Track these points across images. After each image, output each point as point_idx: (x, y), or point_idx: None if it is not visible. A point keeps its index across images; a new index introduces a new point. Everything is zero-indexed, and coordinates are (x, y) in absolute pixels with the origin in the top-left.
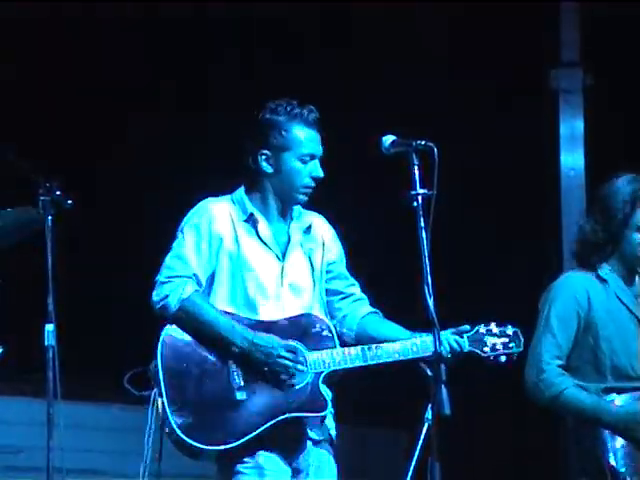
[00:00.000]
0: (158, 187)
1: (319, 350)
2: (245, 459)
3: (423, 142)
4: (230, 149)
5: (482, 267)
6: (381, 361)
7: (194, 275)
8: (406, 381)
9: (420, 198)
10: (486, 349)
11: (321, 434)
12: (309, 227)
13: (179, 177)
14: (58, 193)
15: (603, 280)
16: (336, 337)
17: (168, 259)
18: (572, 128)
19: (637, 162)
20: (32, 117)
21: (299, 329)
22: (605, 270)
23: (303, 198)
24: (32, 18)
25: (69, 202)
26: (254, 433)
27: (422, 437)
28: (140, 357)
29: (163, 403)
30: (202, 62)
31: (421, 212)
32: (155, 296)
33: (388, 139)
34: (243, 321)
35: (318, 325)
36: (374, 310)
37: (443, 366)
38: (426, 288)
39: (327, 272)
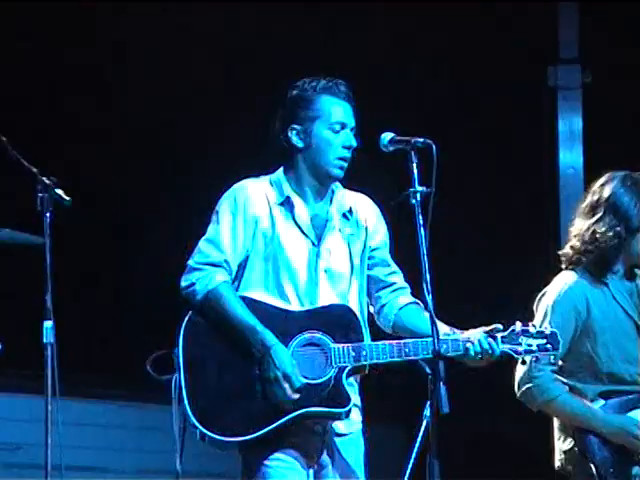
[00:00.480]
0: (157, 186)
1: (346, 342)
2: (270, 453)
3: (421, 139)
4: (231, 147)
5: (480, 264)
6: (409, 358)
7: (225, 262)
8: (404, 378)
9: (419, 195)
10: (520, 349)
11: (346, 428)
12: (350, 210)
13: (179, 176)
14: (57, 190)
15: (603, 283)
16: (366, 330)
17: (202, 243)
18: (570, 125)
19: (635, 159)
20: (32, 114)
21: (327, 319)
22: (609, 271)
23: (338, 172)
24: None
25: (67, 199)
26: (272, 426)
27: (421, 435)
28: (139, 354)
29: (181, 393)
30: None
31: (419, 209)
32: (184, 281)
33: (387, 136)
34: (271, 309)
35: (347, 316)
36: (414, 300)
37: (441, 364)
38: (425, 285)
39: (369, 258)
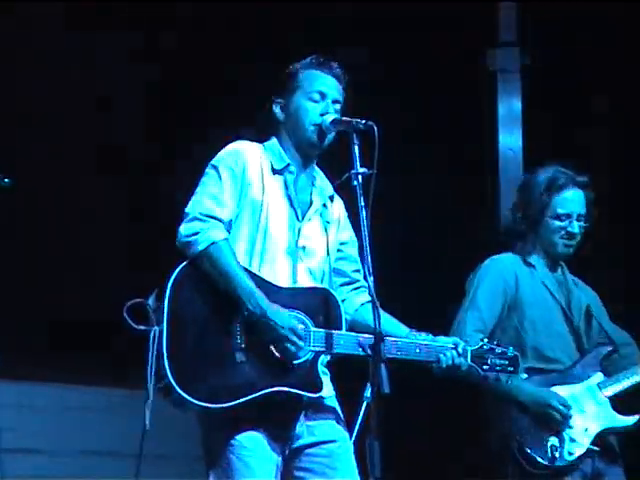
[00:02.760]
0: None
1: (326, 328)
2: (238, 428)
3: (363, 121)
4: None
5: (420, 246)
6: (391, 356)
7: (229, 221)
8: (345, 359)
9: (360, 177)
10: (486, 367)
11: (320, 404)
12: (331, 198)
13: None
14: None
15: (530, 265)
16: (344, 319)
17: (203, 195)
18: (510, 108)
19: (573, 141)
20: None
21: (311, 301)
22: (533, 257)
23: (314, 137)
24: None
25: (6, 180)
26: (245, 399)
27: (361, 415)
28: (78, 335)
29: (161, 348)
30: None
31: (361, 191)
32: (184, 229)
33: (328, 118)
34: (259, 281)
35: (330, 302)
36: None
37: (382, 345)
38: (366, 268)
39: (338, 251)
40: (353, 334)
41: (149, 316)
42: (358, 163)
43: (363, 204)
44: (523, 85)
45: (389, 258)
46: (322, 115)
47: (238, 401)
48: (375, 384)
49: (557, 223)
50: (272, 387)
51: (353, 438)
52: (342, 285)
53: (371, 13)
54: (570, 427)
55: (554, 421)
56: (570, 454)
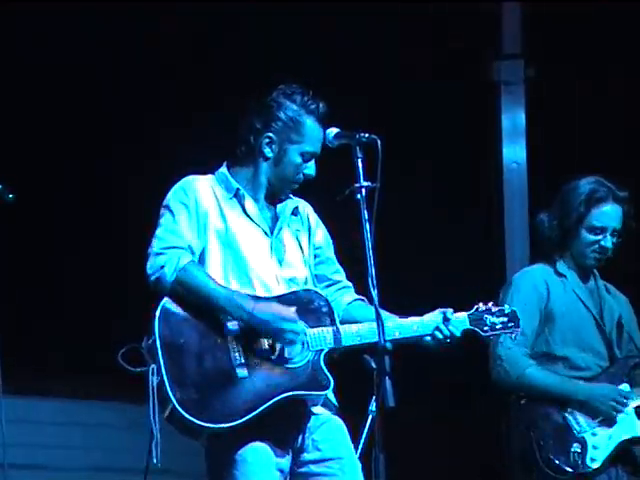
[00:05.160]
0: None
1: (319, 327)
2: (243, 442)
3: (367, 135)
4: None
5: (425, 259)
6: (391, 339)
7: (189, 247)
8: (350, 372)
9: (364, 190)
10: (486, 328)
11: (326, 410)
12: (296, 208)
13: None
14: None
15: (561, 275)
16: (336, 314)
17: (160, 232)
18: (514, 120)
19: (577, 154)
20: None
21: (299, 305)
22: (562, 266)
23: (289, 192)
24: None
25: (10, 196)
26: (257, 412)
27: (366, 429)
28: (83, 350)
29: (162, 379)
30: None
31: (365, 205)
32: (149, 268)
33: (332, 132)
34: (242, 295)
35: (317, 301)
36: (360, 297)
37: (387, 359)
38: (370, 280)
39: (315, 256)
40: (350, 326)
41: (145, 358)
42: (362, 176)
43: (367, 218)
44: (527, 97)
45: (387, 269)
46: (303, 174)
47: (249, 416)
48: (380, 398)
49: (591, 236)
50: (279, 395)
51: (358, 452)
52: (325, 288)
53: (373, 25)
54: (594, 435)
55: (611, 413)
56: (593, 460)
